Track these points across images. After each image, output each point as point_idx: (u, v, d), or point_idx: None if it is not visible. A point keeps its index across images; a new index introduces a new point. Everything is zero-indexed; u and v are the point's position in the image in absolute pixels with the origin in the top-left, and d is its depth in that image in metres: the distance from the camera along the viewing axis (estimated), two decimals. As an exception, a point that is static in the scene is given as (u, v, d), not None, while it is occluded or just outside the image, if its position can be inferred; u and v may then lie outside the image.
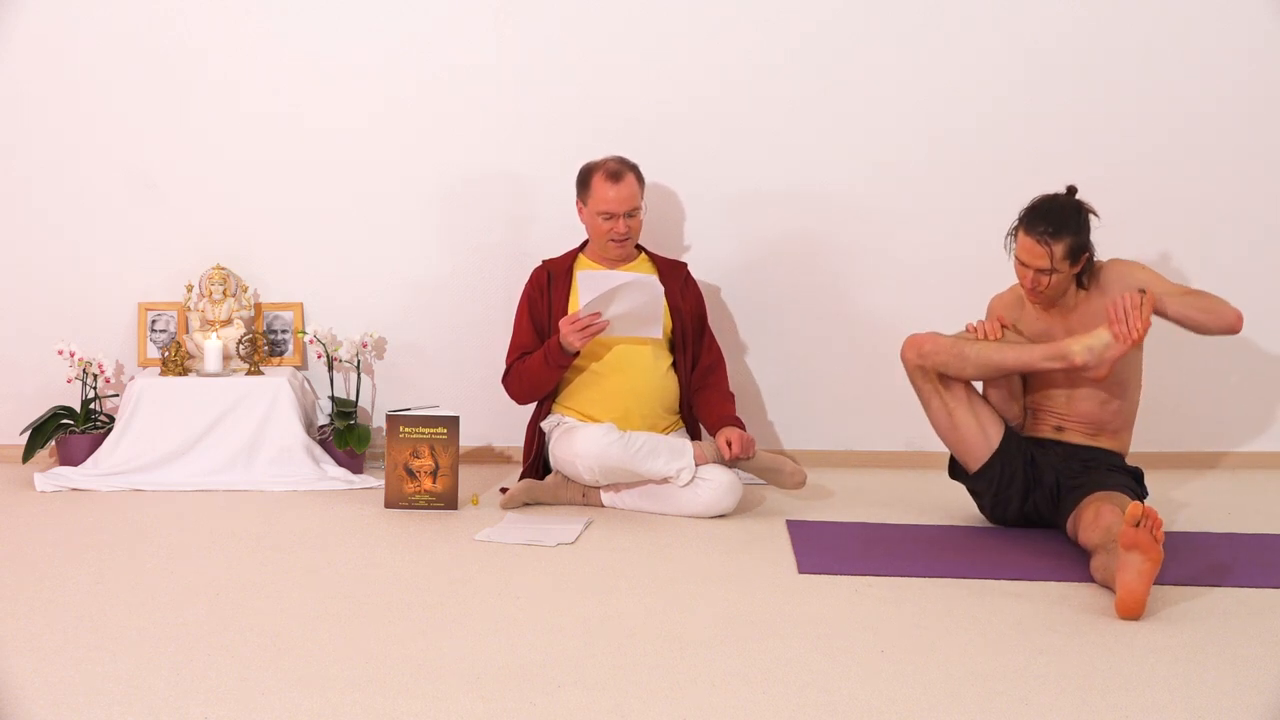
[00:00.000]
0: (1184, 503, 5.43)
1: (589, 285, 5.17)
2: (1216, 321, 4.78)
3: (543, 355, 5.29)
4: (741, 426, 5.39)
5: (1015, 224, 4.87)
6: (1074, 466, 4.88)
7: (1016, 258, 4.86)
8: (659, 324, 5.32)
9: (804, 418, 6.14)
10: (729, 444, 5.25)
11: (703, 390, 5.52)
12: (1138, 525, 4.02)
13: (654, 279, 5.26)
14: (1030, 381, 5.03)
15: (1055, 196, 4.83)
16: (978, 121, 5.99)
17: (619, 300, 5.15)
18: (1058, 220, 4.75)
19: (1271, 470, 6.09)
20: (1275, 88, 5.98)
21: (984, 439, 4.96)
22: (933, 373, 4.91)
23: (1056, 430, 4.97)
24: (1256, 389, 6.11)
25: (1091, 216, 4.82)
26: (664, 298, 5.31)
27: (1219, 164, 6.00)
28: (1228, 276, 5.94)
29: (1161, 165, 5.99)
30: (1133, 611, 4.04)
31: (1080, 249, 4.78)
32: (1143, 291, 4.69)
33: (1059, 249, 4.74)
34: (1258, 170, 6.01)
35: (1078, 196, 4.84)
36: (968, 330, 4.95)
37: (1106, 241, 4.96)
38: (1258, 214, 6.04)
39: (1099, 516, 4.50)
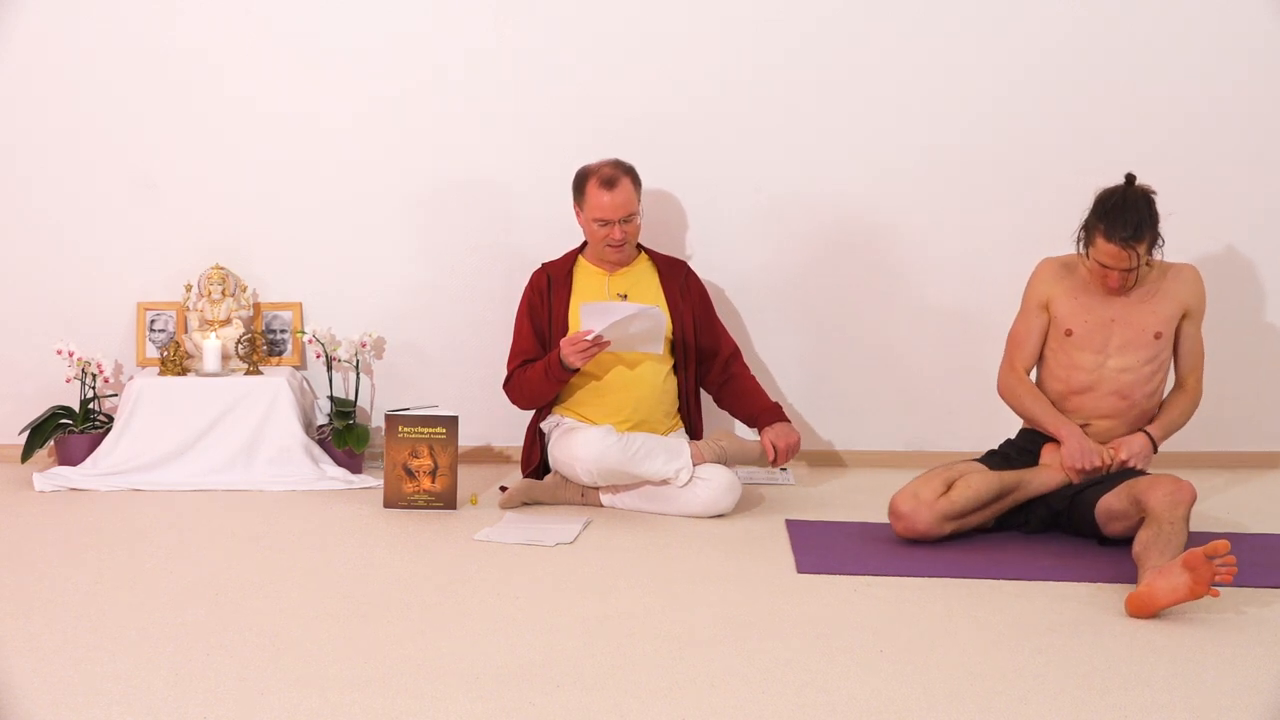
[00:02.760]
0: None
1: (591, 316, 5.16)
2: (1191, 417, 5.12)
3: (543, 368, 5.28)
4: (784, 414, 5.46)
5: (1090, 227, 4.80)
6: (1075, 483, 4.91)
7: (1098, 261, 4.81)
8: (660, 343, 5.32)
9: (805, 417, 6.13)
10: (774, 447, 5.31)
11: (730, 382, 5.53)
12: (1210, 559, 4.00)
13: (656, 309, 5.23)
14: (1063, 387, 5.03)
15: (1125, 195, 4.76)
16: (978, 121, 5.98)
17: (621, 327, 5.15)
18: (1136, 222, 4.70)
19: (1272, 470, 6.09)
20: (1275, 88, 5.97)
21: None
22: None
23: (1082, 428, 4.97)
24: (1255, 389, 6.10)
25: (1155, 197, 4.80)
26: (666, 322, 5.31)
27: (1221, 163, 5.99)
28: (1228, 274, 5.94)
29: (1167, 164, 5.96)
30: (1142, 612, 4.05)
31: (1156, 237, 4.79)
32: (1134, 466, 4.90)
33: (1143, 249, 4.74)
34: (1260, 170, 6.01)
35: (1138, 183, 4.79)
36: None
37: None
38: (1259, 213, 6.03)
39: (1178, 487, 4.49)
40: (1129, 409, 4.96)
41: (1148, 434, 4.94)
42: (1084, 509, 4.82)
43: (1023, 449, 5.06)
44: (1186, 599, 4.02)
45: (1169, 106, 5.96)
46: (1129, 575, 4.33)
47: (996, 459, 5.05)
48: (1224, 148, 5.99)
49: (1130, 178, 4.79)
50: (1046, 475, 4.94)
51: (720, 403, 5.58)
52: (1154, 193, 4.78)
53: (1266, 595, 4.31)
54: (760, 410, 5.44)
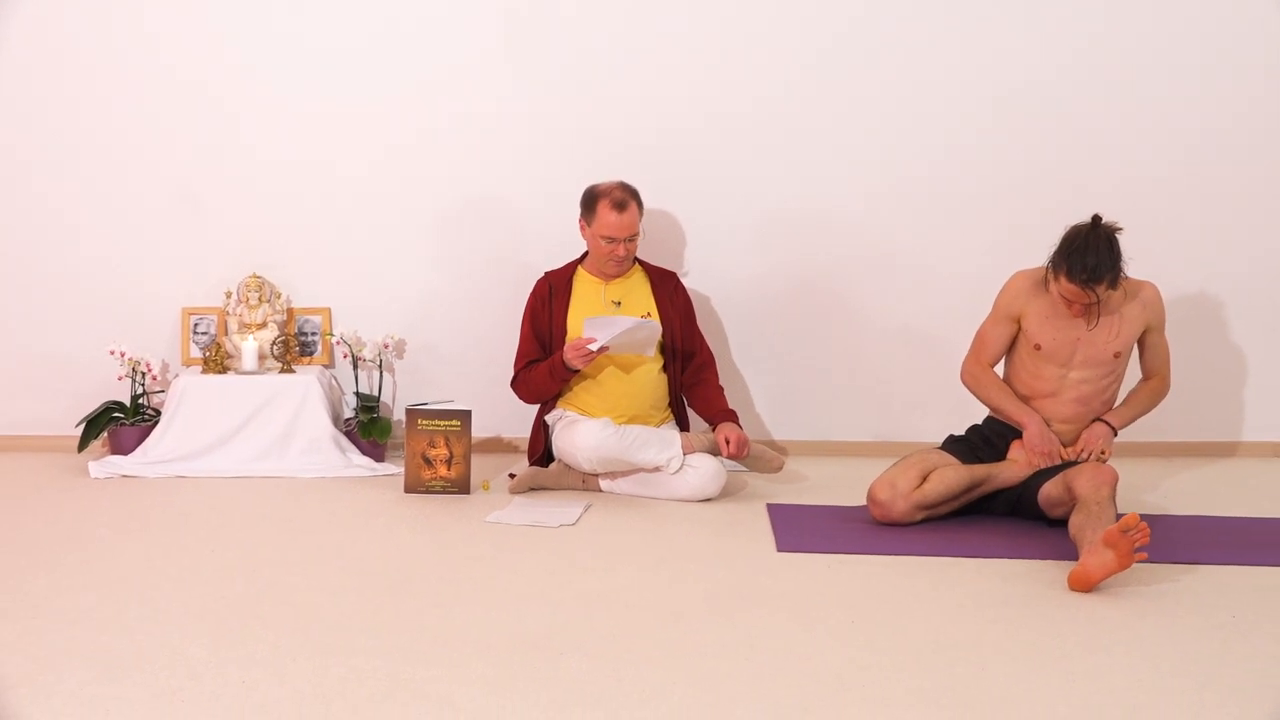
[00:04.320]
0: (1148, 487, 5.42)
1: (593, 328, 5.16)
2: (1155, 408, 5.11)
3: (548, 369, 5.28)
4: (736, 418, 5.40)
5: (1056, 264, 4.72)
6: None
7: (1061, 295, 4.75)
8: (653, 348, 5.31)
9: (784, 411, 6.12)
10: (727, 442, 5.25)
11: (697, 386, 5.50)
12: (1125, 532, 4.02)
13: (654, 323, 5.24)
14: (1027, 392, 4.99)
15: (1088, 235, 4.65)
16: (960, 149, 5.94)
17: (619, 337, 5.15)
18: (1094, 265, 4.61)
19: (1204, 458, 6.08)
20: (1227, 118, 5.98)
21: None
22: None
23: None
24: (1191, 385, 6.09)
25: (1119, 235, 4.69)
26: (660, 333, 5.30)
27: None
28: (1174, 281, 5.90)
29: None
30: (1082, 587, 4.06)
31: (1118, 275, 4.70)
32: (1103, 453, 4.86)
33: (1101, 288, 4.67)
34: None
35: (1104, 222, 4.68)
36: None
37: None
38: (1212, 223, 6.02)
39: (1099, 471, 4.52)
40: (1086, 414, 4.94)
41: (1106, 422, 4.92)
42: (1030, 496, 4.82)
43: (987, 439, 5.03)
44: (1116, 570, 4.04)
45: (1139, 138, 5.95)
46: (1073, 553, 4.32)
47: (962, 446, 5.01)
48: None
49: (1096, 218, 4.70)
50: (1011, 471, 4.90)
51: (689, 402, 5.56)
52: (1119, 229, 4.69)
53: (1197, 570, 4.31)
54: (718, 412, 5.43)
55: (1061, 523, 4.67)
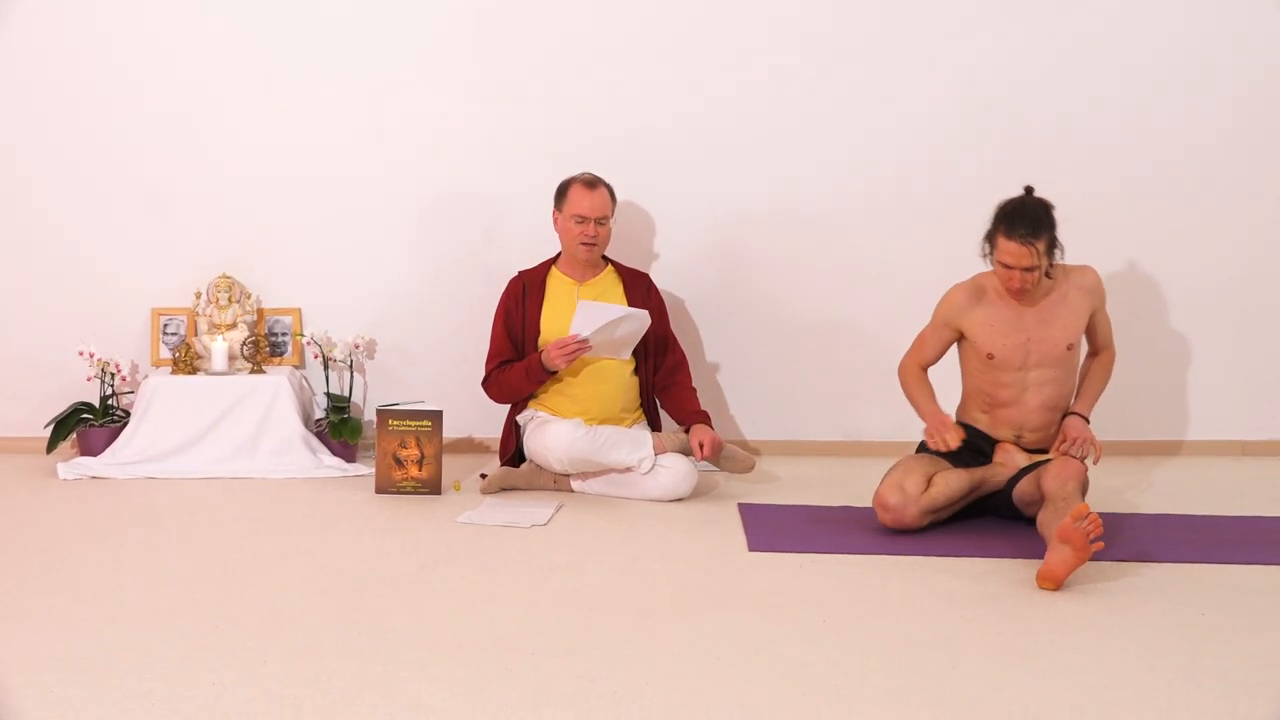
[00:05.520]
0: (1120, 486, 5.44)
1: (586, 316, 5.16)
2: (1110, 376, 5.07)
3: (524, 370, 5.27)
4: (709, 420, 5.40)
5: (992, 233, 4.72)
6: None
7: (1000, 262, 4.71)
8: (631, 348, 5.31)
9: (756, 411, 6.12)
10: (701, 445, 5.25)
11: (670, 388, 5.50)
12: (1077, 523, 4.03)
13: (644, 313, 5.25)
14: (991, 401, 4.95)
15: (1022, 200, 4.70)
16: (919, 154, 5.98)
17: (609, 330, 5.15)
18: (1033, 221, 4.63)
19: (1168, 456, 6.11)
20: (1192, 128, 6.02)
21: None
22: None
23: (1015, 439, 4.93)
24: (1156, 384, 6.12)
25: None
26: (648, 326, 5.30)
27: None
28: (1135, 280, 5.95)
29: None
30: (1049, 585, 4.07)
31: (1054, 242, 4.70)
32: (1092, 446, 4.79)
33: (1041, 246, 4.63)
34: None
35: (1037, 195, 4.72)
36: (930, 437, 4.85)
37: (1081, 252, 4.95)
38: (1168, 227, 6.05)
39: (1065, 466, 4.51)
40: (1053, 421, 4.90)
41: (1076, 413, 4.89)
42: (1007, 496, 4.81)
43: (973, 447, 4.95)
44: (1078, 564, 4.06)
45: (1110, 140, 5.98)
46: (1044, 551, 4.32)
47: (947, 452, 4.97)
48: (1151, 172, 6.02)
49: (1029, 189, 4.74)
50: (1003, 474, 4.87)
51: (661, 404, 5.56)
52: (1052, 206, 4.71)
53: (1165, 568, 4.33)
54: (690, 414, 5.42)
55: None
